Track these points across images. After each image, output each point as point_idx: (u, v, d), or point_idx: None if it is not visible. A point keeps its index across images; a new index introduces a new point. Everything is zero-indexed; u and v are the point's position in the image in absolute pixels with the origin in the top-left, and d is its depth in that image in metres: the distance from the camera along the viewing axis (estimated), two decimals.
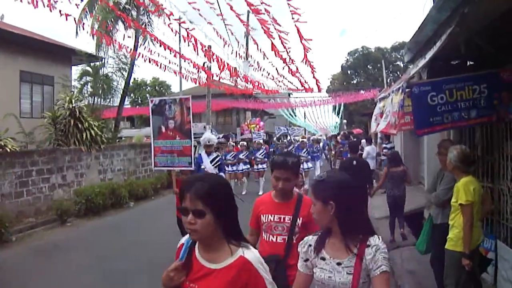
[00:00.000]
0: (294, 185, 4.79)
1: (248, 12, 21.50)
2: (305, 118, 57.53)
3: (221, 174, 11.79)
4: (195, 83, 19.31)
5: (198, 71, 18.36)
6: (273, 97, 45.25)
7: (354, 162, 11.70)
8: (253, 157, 24.49)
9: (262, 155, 24.16)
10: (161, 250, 10.94)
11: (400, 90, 7.87)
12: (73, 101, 20.03)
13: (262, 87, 22.99)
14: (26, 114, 21.56)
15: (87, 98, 24.04)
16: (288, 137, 37.28)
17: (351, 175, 7.94)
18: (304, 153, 22.84)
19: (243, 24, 18.11)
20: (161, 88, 69.77)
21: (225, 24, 14.69)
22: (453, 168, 6.28)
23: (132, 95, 63.67)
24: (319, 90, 26.35)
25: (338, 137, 31.59)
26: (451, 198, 6.32)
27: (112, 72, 25.43)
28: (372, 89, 42.98)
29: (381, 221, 14.49)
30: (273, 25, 14.41)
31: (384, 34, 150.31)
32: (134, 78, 46.46)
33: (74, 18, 11.99)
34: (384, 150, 19.66)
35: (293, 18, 12.04)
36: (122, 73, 25.54)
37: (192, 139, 11.29)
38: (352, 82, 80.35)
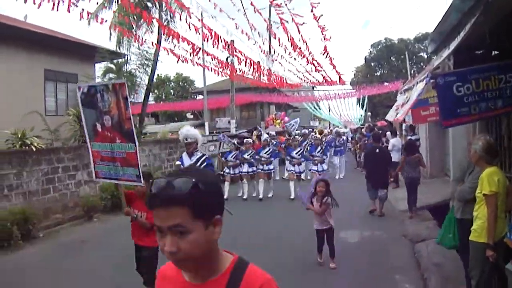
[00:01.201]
0: (209, 244, 1.97)
1: (270, 6, 21.47)
2: (329, 111, 57.42)
3: None
4: (219, 75, 19.33)
5: (221, 66, 18.37)
6: (297, 90, 45.18)
7: (377, 150, 15.66)
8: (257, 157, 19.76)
9: (268, 154, 19.77)
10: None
11: (424, 81, 7.81)
12: None
13: (285, 81, 23.00)
14: (51, 112, 21.74)
15: None
16: (303, 131, 29.68)
17: (374, 162, 13.39)
18: (318, 152, 19.27)
19: (264, 20, 18.11)
20: (185, 84, 69.78)
21: (247, 19, 14.76)
22: (478, 159, 6.22)
23: (156, 91, 63.82)
24: (342, 83, 26.29)
25: (363, 130, 31.48)
26: (474, 198, 6.28)
27: (135, 69, 25.54)
28: (395, 81, 42.82)
29: (406, 213, 14.45)
30: (292, 17, 14.46)
31: (407, 25, 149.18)
32: (158, 74, 46.55)
33: (96, 16, 12.04)
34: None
35: (312, 12, 12.07)
36: (145, 69, 25.62)
37: (137, 143, 7.24)
38: (375, 74, 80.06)
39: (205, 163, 10.21)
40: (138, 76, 25.59)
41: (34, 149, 15.61)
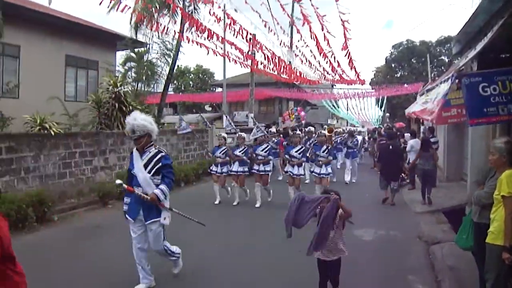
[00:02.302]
0: None
1: (293, 1, 21.40)
2: (347, 109, 57.30)
3: (163, 188, 7.67)
4: (241, 66, 19.26)
5: (244, 58, 18.32)
6: (317, 87, 45.07)
7: (390, 147, 17.68)
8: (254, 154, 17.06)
9: (265, 152, 16.83)
10: (199, 232, 10.98)
11: (449, 81, 7.75)
12: (118, 85, 20.23)
13: (305, 77, 22.93)
14: (70, 98, 21.89)
15: (131, 83, 24.25)
16: (308, 128, 24.76)
17: (388, 156, 15.29)
18: (323, 152, 15.81)
19: (287, 15, 18.06)
20: (205, 76, 69.96)
21: (270, 13, 14.73)
22: (498, 159, 6.14)
23: (175, 82, 64.02)
24: (361, 83, 26.17)
25: (381, 130, 31.35)
26: (491, 203, 6.22)
27: (156, 58, 25.62)
28: (415, 83, 42.58)
29: (422, 215, 14.44)
30: (316, 15, 14.43)
31: (430, 28, 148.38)
32: (178, 65, 46.66)
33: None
34: None
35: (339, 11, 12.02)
36: (166, 59, 25.70)
37: None
38: (395, 75, 79.73)
39: (160, 164, 7.81)
40: (159, 65, 25.67)
41: (52, 133, 15.68)
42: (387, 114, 65.73)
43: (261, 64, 19.29)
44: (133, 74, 25.10)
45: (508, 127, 9.16)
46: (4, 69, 19.25)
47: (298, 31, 18.42)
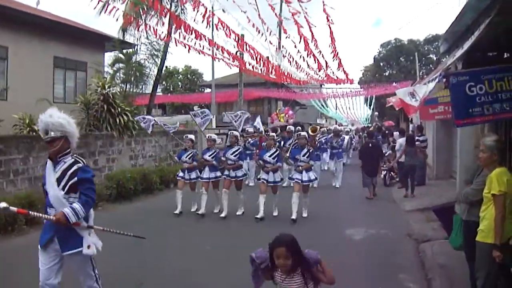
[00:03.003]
0: None
1: (281, 1, 21.42)
2: (336, 109, 57.45)
3: (76, 207, 5.87)
4: (230, 67, 19.18)
5: (231, 59, 18.30)
6: (305, 87, 45.15)
7: (370, 145, 19.22)
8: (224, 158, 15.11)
9: (235, 155, 14.67)
10: (191, 234, 11.00)
11: (437, 80, 7.79)
12: (106, 86, 20.22)
13: (294, 77, 22.94)
14: (59, 99, 21.79)
15: (119, 85, 24.24)
16: (288, 128, 23.61)
17: (369, 154, 18.08)
18: (304, 155, 14.04)
19: (275, 15, 18.07)
20: (193, 77, 69.90)
21: (258, 13, 14.74)
22: (488, 157, 6.16)
23: (164, 83, 64.02)
24: (350, 82, 26.21)
25: (370, 129, 31.47)
26: (479, 200, 6.25)
27: (144, 59, 25.65)
28: (404, 82, 42.76)
29: (411, 213, 14.53)
30: (304, 15, 14.50)
31: (418, 26, 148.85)
32: (166, 66, 46.61)
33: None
34: (416, 143, 19.43)
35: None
36: (154, 60, 25.73)
37: None
38: (384, 74, 79.87)
39: (76, 178, 6.05)
40: (147, 66, 25.69)
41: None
42: (376, 113, 65.88)
43: (249, 64, 19.31)
44: (121, 76, 25.10)
45: (495, 126, 9.20)
46: None
47: (285, 31, 18.41)
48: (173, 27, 20.96)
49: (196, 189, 15.26)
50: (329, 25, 14.56)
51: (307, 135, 15.42)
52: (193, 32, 14.06)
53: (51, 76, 21.71)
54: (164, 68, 26.76)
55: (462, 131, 11.38)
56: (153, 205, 15.81)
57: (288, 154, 15.41)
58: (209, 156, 14.82)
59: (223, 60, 18.19)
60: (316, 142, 20.40)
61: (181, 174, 15.24)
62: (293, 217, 13.18)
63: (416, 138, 19.73)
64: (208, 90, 50.55)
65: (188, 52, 15.46)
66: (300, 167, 13.97)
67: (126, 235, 6.96)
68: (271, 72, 20.15)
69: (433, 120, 19.12)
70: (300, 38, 16.03)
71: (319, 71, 19.62)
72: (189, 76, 70.13)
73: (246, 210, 14.55)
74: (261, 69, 19.02)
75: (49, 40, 21.28)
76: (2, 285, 7.98)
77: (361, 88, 50.82)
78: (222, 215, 14.11)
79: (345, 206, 16.31)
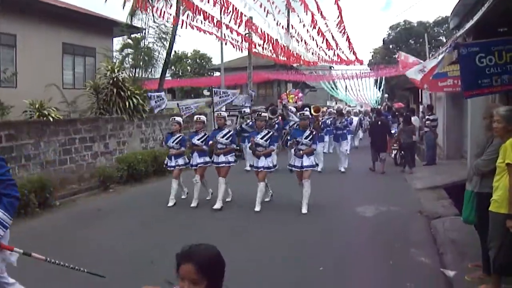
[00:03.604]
0: None
1: None
2: (346, 91, 57.24)
3: (3, 213, 5.16)
4: (238, 49, 19.00)
5: (241, 40, 18.23)
6: (315, 69, 44.99)
7: (379, 122, 20.01)
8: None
9: (227, 138, 12.97)
10: (200, 215, 11.04)
11: (447, 51, 7.75)
12: (115, 70, 20.25)
13: (303, 58, 22.87)
14: (68, 85, 21.91)
15: (128, 69, 24.27)
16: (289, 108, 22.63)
17: (377, 132, 16.85)
18: (306, 138, 12.40)
19: None
20: (202, 61, 69.77)
21: None
22: (504, 128, 6.11)
23: (173, 67, 63.96)
24: (360, 63, 26.06)
25: (381, 108, 31.29)
26: (491, 171, 6.21)
27: (152, 42, 25.59)
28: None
29: (422, 191, 14.47)
30: None
31: (427, 8, 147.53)
32: (175, 51, 46.57)
33: None
34: (427, 122, 19.35)
35: None
36: (163, 43, 25.67)
37: None
38: (393, 56, 79.41)
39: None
40: (156, 50, 25.65)
41: (51, 119, 15.72)
42: (386, 95, 65.70)
43: (258, 46, 19.25)
44: (130, 61, 25.12)
45: (506, 99, 9.16)
46: (1, 58, 19.25)
47: (293, 10, 18.34)
48: (181, 8, 20.94)
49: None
50: (337, 2, 14.44)
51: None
52: (201, 13, 14.06)
53: (60, 63, 21.80)
54: (172, 52, 26.69)
55: (473, 109, 11.33)
56: (164, 187, 15.39)
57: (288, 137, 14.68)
58: (198, 140, 13.22)
59: (231, 43, 18.16)
60: (320, 123, 19.96)
61: (168, 162, 13.85)
62: (303, 211, 11.86)
63: (427, 117, 19.70)
64: (217, 73, 50.44)
65: (199, 32, 15.40)
66: (300, 151, 12.37)
67: (78, 270, 6.06)
68: (280, 53, 20.09)
69: (442, 92, 19.31)
70: (309, 16, 16.01)
71: (328, 50, 19.54)
72: (198, 60, 69.94)
73: (245, 200, 13.02)
74: (270, 51, 18.95)
75: (57, 26, 21.36)
76: (17, 268, 8.04)
77: (370, 70, 50.60)
78: (216, 206, 12.36)
79: (355, 186, 16.29)
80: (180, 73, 67.10)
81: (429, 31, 71.38)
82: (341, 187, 15.91)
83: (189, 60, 70.17)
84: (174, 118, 14.10)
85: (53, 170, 15.54)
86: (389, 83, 62.19)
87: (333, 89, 55.70)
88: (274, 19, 16.82)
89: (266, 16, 16.27)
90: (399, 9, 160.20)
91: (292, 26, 19.98)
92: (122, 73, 21.13)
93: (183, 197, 13.81)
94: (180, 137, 13.68)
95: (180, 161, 13.64)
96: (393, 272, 7.59)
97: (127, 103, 19.71)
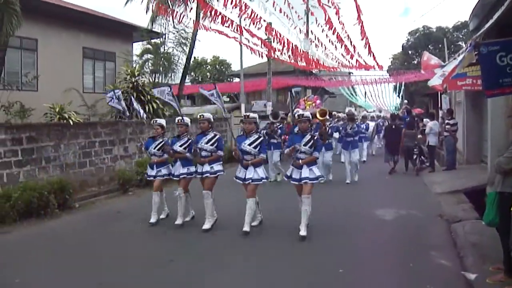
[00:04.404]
0: None
1: None
2: (365, 97, 57.09)
3: None
4: (258, 55, 18.92)
5: (260, 44, 18.22)
6: (334, 74, 44.95)
7: (393, 126, 20.90)
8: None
9: (212, 144, 10.93)
10: (221, 218, 11.04)
11: (466, 49, 7.70)
12: (135, 74, 20.40)
13: (323, 63, 22.86)
14: (88, 89, 22.13)
15: (148, 73, 24.43)
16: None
17: (391, 134, 20.10)
18: (305, 144, 10.17)
19: (303, 0, 18.00)
20: (221, 67, 69.97)
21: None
22: None
23: (192, 73, 64.21)
24: (380, 68, 25.98)
25: (399, 113, 31.05)
26: None
27: (172, 47, 25.72)
28: (432, 71, 42.32)
29: (442, 196, 14.37)
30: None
31: (446, 14, 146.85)
32: (195, 57, 46.76)
33: None
34: (447, 127, 19.22)
35: None
36: (183, 48, 25.77)
37: None
38: (413, 62, 79.14)
39: None
40: (176, 55, 25.77)
41: (71, 123, 15.83)
42: (405, 101, 65.49)
43: (278, 51, 19.24)
44: (150, 66, 25.29)
45: None
46: (23, 62, 19.56)
47: (312, 13, 18.32)
48: (201, 13, 21.04)
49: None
50: (356, 6, 14.40)
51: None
52: (221, 17, 14.08)
53: (80, 67, 22.05)
54: (192, 58, 26.79)
55: (493, 112, 11.24)
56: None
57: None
58: (180, 146, 11.42)
59: (250, 47, 18.16)
60: (328, 129, 16.97)
61: (149, 171, 12.11)
62: (302, 234, 9.76)
63: (446, 121, 19.54)
64: (237, 79, 50.53)
65: (218, 34, 15.43)
66: (299, 160, 10.20)
67: None
68: (300, 59, 20.07)
69: (460, 90, 19.22)
70: (327, 23, 16.00)
71: (347, 54, 19.49)
72: (217, 66, 70.17)
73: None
74: (289, 56, 18.93)
75: (78, 31, 21.71)
76: (37, 267, 8.08)
77: (390, 75, 50.46)
78: (206, 226, 10.65)
79: (374, 190, 16.21)
80: (200, 79, 67.33)
81: (448, 36, 71.06)
82: (360, 192, 15.80)
83: (209, 66, 70.42)
84: (156, 121, 12.44)
85: (72, 172, 15.62)
86: (408, 89, 62.02)
87: (352, 95, 55.60)
88: (293, 24, 16.79)
89: (287, 19, 16.25)
90: (418, 15, 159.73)
91: (311, 31, 19.90)
92: (142, 78, 21.28)
93: (162, 216, 11.75)
94: (163, 142, 11.83)
95: (163, 171, 11.85)
96: (413, 274, 7.55)
97: (147, 108, 19.82)
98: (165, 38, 25.87)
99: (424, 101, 56.67)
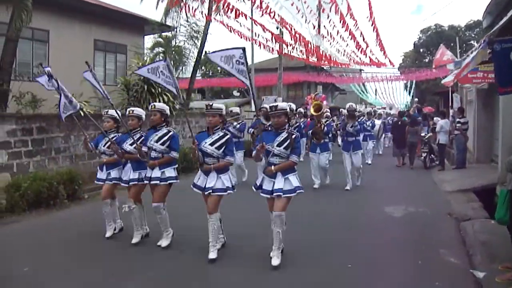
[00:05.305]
0: None
1: None
2: (376, 94, 57.00)
3: None
4: (269, 50, 18.89)
5: (272, 39, 18.18)
6: (345, 71, 44.92)
7: (400, 122, 22.40)
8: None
9: (163, 143, 8.68)
10: (228, 217, 11.02)
11: (480, 46, 7.67)
12: None
13: (334, 59, 22.85)
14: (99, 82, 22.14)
15: None
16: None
17: (398, 130, 21.89)
18: (279, 144, 7.65)
19: None
20: None
21: None
22: None
23: (203, 68, 64.21)
24: (391, 65, 25.89)
25: (410, 111, 30.95)
26: None
27: (184, 41, 25.77)
28: (444, 68, 42.17)
29: (452, 194, 14.32)
30: None
31: (458, 12, 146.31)
32: (206, 51, 46.62)
33: None
34: (457, 125, 19.13)
35: None
36: (194, 42, 25.80)
37: None
38: (424, 60, 78.87)
39: None
40: (187, 48, 25.81)
41: (82, 114, 15.86)
42: (416, 99, 65.41)
43: (289, 45, 19.22)
44: (161, 59, 25.34)
45: None
46: (34, 53, 19.65)
47: (323, 10, 18.27)
48: (213, 7, 21.05)
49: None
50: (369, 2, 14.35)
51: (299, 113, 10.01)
52: (234, 10, 14.06)
53: (91, 59, 22.01)
54: (204, 52, 26.77)
55: (505, 112, 11.19)
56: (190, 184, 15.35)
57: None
58: (131, 144, 9.11)
59: (262, 44, 18.14)
60: (323, 126, 15.12)
61: (98, 173, 9.87)
62: (274, 263, 7.56)
63: (457, 120, 19.46)
64: None
65: (231, 31, 15.39)
66: (272, 166, 7.74)
67: None
68: (312, 54, 20.04)
69: (471, 83, 19.17)
70: (340, 18, 15.97)
71: (357, 50, 19.47)
72: None
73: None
74: (301, 50, 18.90)
75: (89, 23, 21.80)
76: (45, 257, 8.10)
77: (401, 73, 50.39)
78: (163, 243, 8.81)
79: (383, 188, 16.15)
80: (211, 74, 67.34)
81: (461, 35, 70.64)
82: (368, 189, 15.72)
83: None
84: (107, 112, 10.05)
85: (82, 163, 15.72)
86: (419, 87, 61.86)
87: (363, 92, 55.52)
88: (306, 19, 16.76)
89: (298, 13, 16.22)
90: (430, 13, 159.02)
91: (324, 26, 19.83)
92: None
93: (109, 234, 9.52)
94: (115, 138, 9.46)
95: (114, 173, 9.49)
96: (422, 271, 7.52)
97: (157, 100, 19.83)
98: (176, 32, 25.93)
99: (434, 99, 56.60)
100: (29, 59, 19.61)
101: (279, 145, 7.65)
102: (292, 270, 7.46)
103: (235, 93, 54.22)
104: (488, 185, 13.72)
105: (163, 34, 26.14)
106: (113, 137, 9.40)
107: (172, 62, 23.90)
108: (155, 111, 8.83)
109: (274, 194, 7.63)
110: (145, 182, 8.89)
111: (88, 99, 18.23)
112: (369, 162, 21.64)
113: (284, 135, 7.71)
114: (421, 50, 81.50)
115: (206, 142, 7.99)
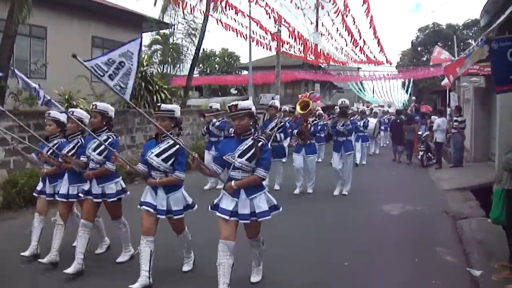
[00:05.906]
0: None
1: None
2: (373, 92, 57.03)
3: None
4: (266, 48, 18.86)
5: (269, 37, 18.18)
6: (343, 69, 44.92)
7: (398, 120, 23.80)
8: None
9: (100, 153, 7.35)
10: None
11: (477, 44, 7.68)
12: (144, 64, 20.41)
13: (332, 57, 22.87)
14: (97, 78, 22.08)
15: (157, 64, 24.49)
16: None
17: (396, 128, 23.46)
18: (242, 156, 6.01)
19: None
20: (230, 59, 69.81)
21: None
22: None
23: (201, 65, 64.15)
24: (389, 63, 25.91)
25: (407, 110, 30.99)
26: None
27: (181, 38, 25.79)
28: (442, 66, 42.14)
29: (449, 192, 14.36)
30: None
31: (456, 11, 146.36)
32: (203, 49, 46.71)
33: None
34: (454, 124, 19.14)
35: None
36: (192, 39, 25.80)
37: None
38: (422, 59, 78.95)
39: None
40: (185, 46, 25.83)
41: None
42: (413, 98, 65.44)
43: (287, 44, 19.20)
44: (159, 56, 25.37)
45: None
46: (32, 50, 19.64)
47: (322, 7, 18.25)
48: (211, 3, 21.05)
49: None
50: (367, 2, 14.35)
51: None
52: (232, 7, 14.04)
53: (89, 56, 21.94)
54: (201, 50, 26.82)
55: (502, 111, 11.21)
56: (189, 181, 15.49)
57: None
58: (70, 148, 7.82)
59: (260, 42, 18.13)
60: (310, 126, 13.76)
61: (40, 185, 8.33)
62: (253, 278, 6.86)
63: (455, 118, 19.49)
64: (245, 72, 50.52)
65: (229, 30, 15.35)
66: (232, 182, 6.17)
67: None
68: (310, 52, 20.03)
69: (466, 75, 20.06)
70: (338, 14, 15.96)
71: (355, 47, 19.46)
72: (226, 58, 70.04)
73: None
74: (299, 49, 18.89)
75: (87, 20, 21.82)
76: (41, 254, 8.10)
77: (398, 71, 50.46)
78: (121, 259, 8.03)
79: (381, 185, 16.19)
80: (208, 71, 67.28)
81: (458, 34, 70.68)
82: (367, 186, 15.74)
83: (217, 58, 70.32)
84: (49, 113, 8.37)
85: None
86: (416, 86, 61.98)
87: (360, 90, 55.54)
88: (304, 15, 16.75)
89: (296, 9, 16.18)
90: (429, 11, 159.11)
91: (322, 23, 19.83)
92: (150, 68, 21.31)
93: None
94: (58, 144, 8.02)
95: (57, 187, 7.94)
96: (419, 269, 7.56)
97: (155, 98, 19.85)
98: (174, 29, 25.94)
99: (432, 98, 56.67)
100: (26, 56, 19.65)
101: (241, 155, 6.10)
102: (290, 269, 7.51)
103: (233, 91, 54.24)
104: (485, 183, 13.73)
105: (161, 31, 26.15)
106: (57, 143, 8.03)
107: (169, 59, 23.96)
108: (95, 112, 7.44)
109: (240, 221, 6.15)
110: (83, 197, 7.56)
111: (86, 96, 18.23)
112: (358, 162, 19.97)
113: (248, 142, 6.17)
114: (419, 48, 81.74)
115: (152, 153, 6.71)
